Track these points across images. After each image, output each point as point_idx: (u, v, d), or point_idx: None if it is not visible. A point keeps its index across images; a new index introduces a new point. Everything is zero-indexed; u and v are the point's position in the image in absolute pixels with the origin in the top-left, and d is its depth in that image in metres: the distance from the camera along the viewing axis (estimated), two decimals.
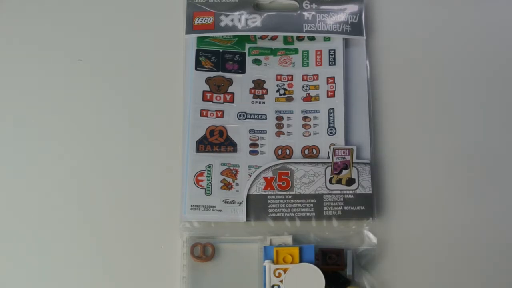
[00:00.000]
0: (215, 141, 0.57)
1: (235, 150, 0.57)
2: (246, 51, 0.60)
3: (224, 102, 0.58)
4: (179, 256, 0.54)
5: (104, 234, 0.56)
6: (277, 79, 0.59)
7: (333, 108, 0.58)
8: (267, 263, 0.53)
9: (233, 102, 0.58)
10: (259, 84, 0.59)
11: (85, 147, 0.58)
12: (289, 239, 0.54)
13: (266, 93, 0.59)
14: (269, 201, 0.55)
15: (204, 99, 0.58)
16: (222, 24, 0.60)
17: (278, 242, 0.54)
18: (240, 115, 0.58)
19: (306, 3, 0.60)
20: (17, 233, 0.56)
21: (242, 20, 0.60)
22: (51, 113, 0.59)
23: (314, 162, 0.56)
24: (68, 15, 0.62)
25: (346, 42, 0.60)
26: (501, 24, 0.62)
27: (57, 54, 0.61)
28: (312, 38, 0.60)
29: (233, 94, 0.58)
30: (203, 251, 0.54)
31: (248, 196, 0.55)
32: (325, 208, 0.55)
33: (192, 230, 0.55)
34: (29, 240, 0.56)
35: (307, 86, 0.59)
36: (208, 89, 0.58)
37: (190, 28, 0.60)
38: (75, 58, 0.61)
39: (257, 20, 0.60)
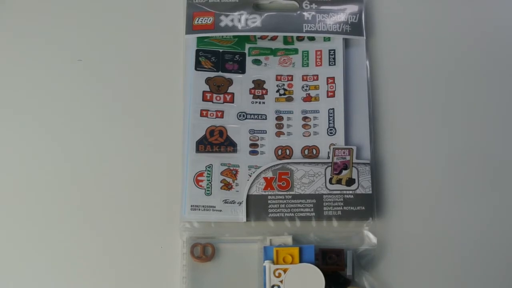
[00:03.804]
0: (215, 141, 0.57)
1: (235, 150, 0.57)
2: (246, 51, 0.60)
3: (224, 102, 0.58)
4: (179, 256, 0.54)
5: (104, 234, 0.56)
6: (277, 79, 0.59)
7: (333, 108, 0.58)
8: (267, 263, 0.53)
9: (233, 102, 0.58)
10: (259, 84, 0.59)
11: (85, 148, 0.58)
12: (289, 239, 0.54)
13: (266, 93, 0.59)
14: (269, 201, 0.55)
15: (204, 99, 0.58)
16: (222, 24, 0.60)
17: (278, 242, 0.54)
18: (240, 115, 0.58)
19: (306, 3, 0.60)
20: (17, 233, 0.56)
21: (242, 20, 0.60)
22: (50, 113, 0.59)
23: (314, 162, 0.56)
24: (68, 15, 0.62)
25: (346, 42, 0.60)
26: (502, 24, 0.62)
27: (57, 54, 0.61)
28: (312, 38, 0.60)
29: (233, 94, 0.58)
30: (203, 251, 0.54)
31: (248, 196, 0.55)
32: (325, 208, 0.55)
33: (192, 230, 0.55)
34: (29, 240, 0.55)
35: (307, 86, 0.59)
36: (208, 89, 0.58)
37: (190, 28, 0.60)
38: (75, 58, 0.60)
39: (257, 20, 0.60)
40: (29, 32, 0.61)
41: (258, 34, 0.60)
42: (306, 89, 0.59)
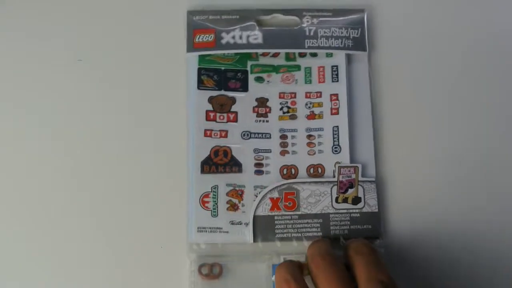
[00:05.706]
0: (219, 161, 0.57)
1: (240, 170, 0.56)
2: (248, 68, 0.59)
3: (227, 121, 0.58)
4: (187, 276, 0.54)
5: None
6: (280, 97, 0.58)
7: (337, 126, 0.57)
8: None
9: (236, 121, 0.58)
10: (262, 102, 0.58)
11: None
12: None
13: (270, 112, 0.58)
14: (275, 222, 0.55)
15: (208, 119, 0.57)
16: (223, 41, 0.59)
17: None
18: (244, 135, 0.57)
19: (307, 18, 0.60)
20: (18, 233, 0.56)
21: (243, 37, 0.59)
22: (50, 113, 0.58)
23: (319, 182, 0.56)
24: (68, 15, 0.61)
25: (349, 58, 0.59)
26: (508, 35, 0.62)
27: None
28: (314, 54, 0.59)
29: (236, 113, 0.58)
30: (211, 270, 0.54)
31: (254, 217, 0.55)
32: (332, 228, 0.55)
33: (199, 251, 0.55)
34: (28, 240, 0.55)
35: (310, 103, 0.58)
36: (211, 109, 0.58)
37: (191, 46, 0.59)
38: (75, 60, 0.60)
39: (258, 37, 0.59)
40: (29, 32, 0.61)
41: (260, 51, 0.59)
42: (309, 107, 0.58)
